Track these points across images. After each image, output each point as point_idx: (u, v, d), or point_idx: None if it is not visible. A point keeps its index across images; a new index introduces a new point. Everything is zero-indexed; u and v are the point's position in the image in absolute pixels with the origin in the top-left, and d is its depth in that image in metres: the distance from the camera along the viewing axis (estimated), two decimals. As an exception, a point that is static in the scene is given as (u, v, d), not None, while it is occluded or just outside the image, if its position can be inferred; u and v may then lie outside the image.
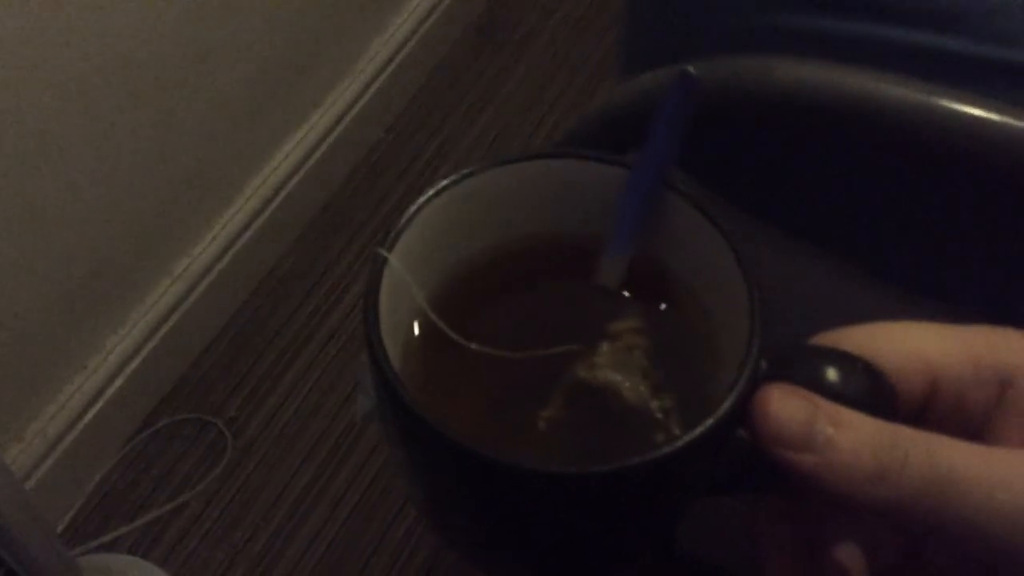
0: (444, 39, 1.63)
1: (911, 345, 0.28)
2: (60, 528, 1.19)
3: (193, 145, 1.22)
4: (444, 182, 0.31)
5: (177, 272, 1.27)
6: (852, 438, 0.25)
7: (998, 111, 0.40)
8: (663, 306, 0.32)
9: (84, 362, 1.19)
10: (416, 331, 0.31)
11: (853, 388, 0.26)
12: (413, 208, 0.30)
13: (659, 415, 0.29)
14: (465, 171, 0.31)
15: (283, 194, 1.38)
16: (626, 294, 0.32)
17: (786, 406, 0.26)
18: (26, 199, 1.02)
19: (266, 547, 1.18)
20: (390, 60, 1.51)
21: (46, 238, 1.07)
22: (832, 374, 0.27)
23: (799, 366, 0.27)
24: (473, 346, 0.30)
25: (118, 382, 1.21)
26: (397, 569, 1.16)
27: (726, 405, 0.26)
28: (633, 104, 0.49)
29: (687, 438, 0.26)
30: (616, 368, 0.30)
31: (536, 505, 0.27)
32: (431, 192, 0.30)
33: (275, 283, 1.40)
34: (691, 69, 0.29)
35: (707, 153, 0.54)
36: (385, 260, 0.29)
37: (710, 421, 0.26)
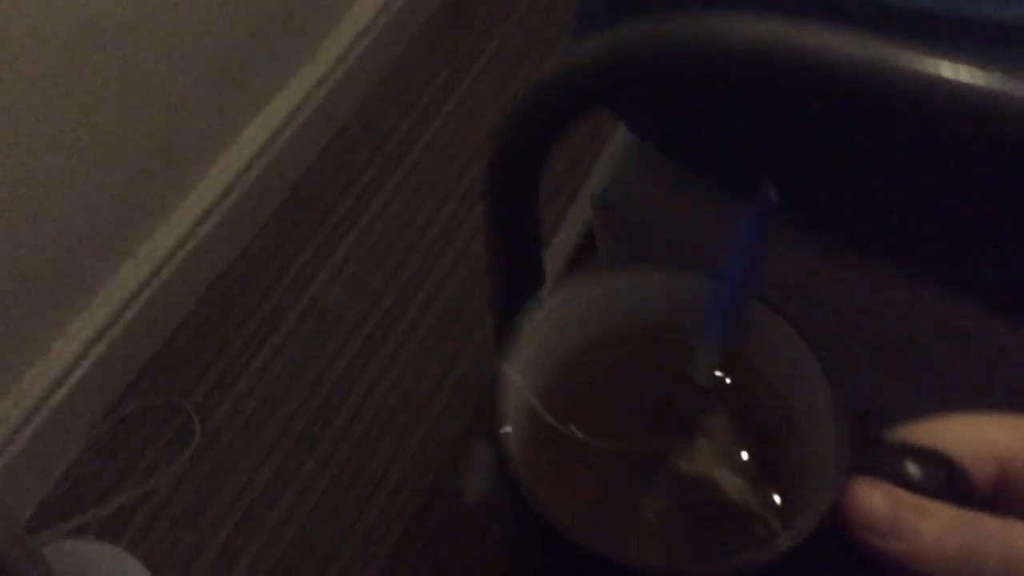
0: (414, 19, 1.61)
1: (981, 437, 0.31)
2: (27, 515, 1.18)
3: (156, 125, 1.20)
4: (551, 294, 0.35)
5: (142, 255, 1.25)
6: (936, 526, 0.29)
7: (968, 72, 0.38)
8: (752, 402, 0.35)
9: (47, 346, 1.17)
10: (524, 422, 0.33)
11: (933, 480, 0.30)
12: (523, 319, 0.34)
13: (759, 509, 0.32)
14: (568, 282, 0.35)
15: (251, 175, 1.36)
16: (718, 389, 0.35)
17: (872, 498, 0.29)
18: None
19: (234, 532, 1.17)
20: (359, 39, 1.50)
21: (5, 220, 1.05)
22: (913, 468, 0.30)
23: (883, 461, 0.31)
24: (581, 437, 0.33)
25: (83, 367, 1.20)
26: (365, 556, 1.16)
27: (825, 503, 0.29)
28: (591, 62, 0.48)
29: (796, 535, 0.29)
30: (714, 461, 0.33)
31: None
32: (536, 304, 0.34)
33: (244, 266, 1.38)
34: (771, 191, 0.32)
35: (690, 135, 0.53)
36: (503, 372, 0.33)
37: (813, 519, 0.29)
